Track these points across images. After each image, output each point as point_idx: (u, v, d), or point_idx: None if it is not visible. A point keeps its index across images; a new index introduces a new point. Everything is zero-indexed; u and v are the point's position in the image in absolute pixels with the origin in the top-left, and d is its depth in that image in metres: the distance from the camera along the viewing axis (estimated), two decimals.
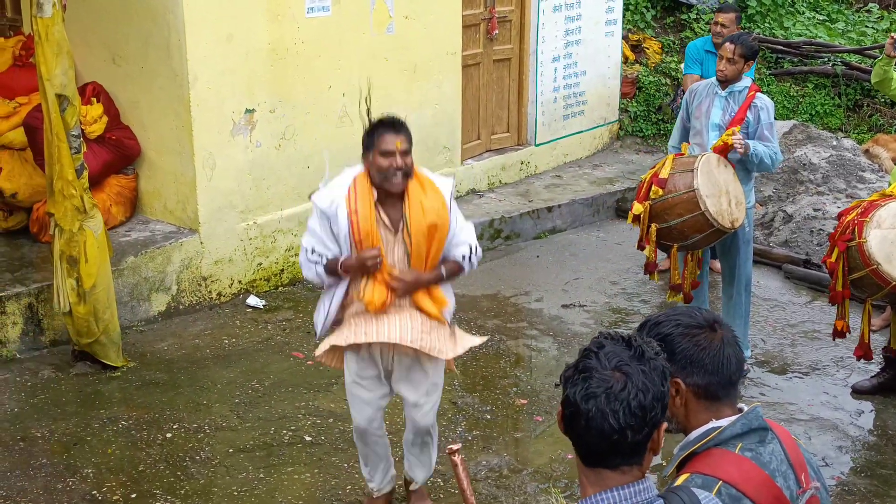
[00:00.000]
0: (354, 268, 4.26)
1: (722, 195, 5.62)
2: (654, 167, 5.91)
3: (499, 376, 6.14)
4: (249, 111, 6.89)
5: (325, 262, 4.30)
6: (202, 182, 6.75)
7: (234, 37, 6.71)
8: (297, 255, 7.36)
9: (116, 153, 6.87)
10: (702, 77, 7.49)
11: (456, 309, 4.60)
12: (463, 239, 4.42)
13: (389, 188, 4.24)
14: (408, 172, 4.26)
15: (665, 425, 2.05)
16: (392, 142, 4.22)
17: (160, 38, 6.60)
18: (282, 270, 7.33)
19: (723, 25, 7.50)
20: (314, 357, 4.70)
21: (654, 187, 5.66)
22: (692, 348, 2.33)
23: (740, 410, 2.36)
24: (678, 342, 2.34)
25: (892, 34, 6.24)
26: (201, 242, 6.82)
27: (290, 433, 5.41)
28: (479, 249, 4.49)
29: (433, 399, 4.54)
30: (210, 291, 6.95)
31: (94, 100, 6.82)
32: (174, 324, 6.68)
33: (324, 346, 4.49)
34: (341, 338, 4.39)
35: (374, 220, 4.23)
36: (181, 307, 6.81)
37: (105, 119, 6.82)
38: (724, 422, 2.32)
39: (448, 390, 5.90)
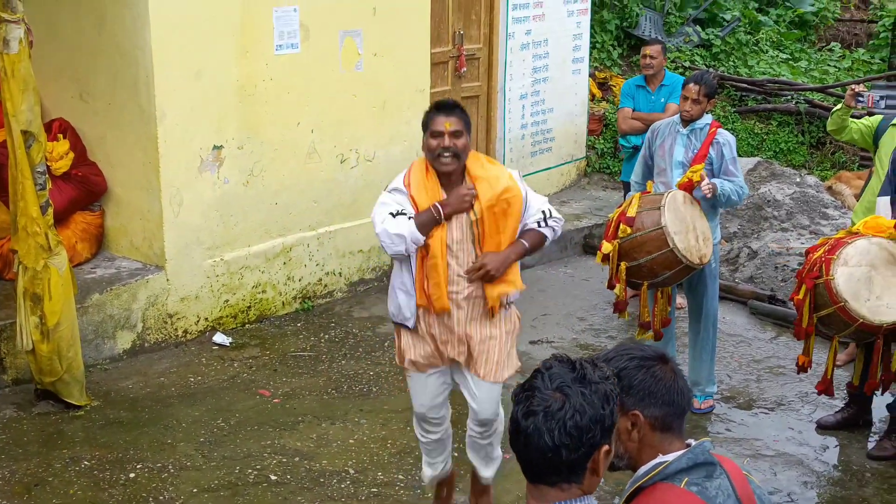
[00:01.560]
0: (453, 205, 4.29)
1: (689, 231, 5.67)
2: (621, 206, 5.96)
3: (466, 414, 6.10)
4: (217, 147, 6.89)
5: (411, 216, 4.31)
6: (169, 218, 6.72)
7: (202, 73, 6.72)
8: (263, 291, 7.35)
9: (82, 189, 6.84)
10: (634, 110, 7.90)
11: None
12: (536, 208, 4.45)
13: (439, 168, 4.32)
14: (457, 153, 4.32)
15: (606, 447, 2.09)
16: (442, 123, 4.31)
17: (128, 74, 6.60)
18: (249, 307, 7.30)
19: (651, 57, 7.83)
20: (398, 365, 4.80)
21: (622, 226, 5.70)
22: (649, 380, 2.38)
23: (688, 444, 2.39)
24: (634, 375, 2.39)
25: (853, 86, 6.36)
26: (167, 279, 6.79)
27: (256, 472, 5.36)
28: (557, 213, 4.52)
29: (495, 390, 4.60)
30: (176, 329, 6.90)
31: (60, 136, 6.79)
32: (139, 362, 6.62)
33: (406, 363, 4.61)
34: (416, 352, 4.53)
35: (439, 195, 4.32)
36: (146, 345, 6.76)
37: (71, 155, 6.79)
38: (670, 456, 2.35)
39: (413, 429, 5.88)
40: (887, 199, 5.63)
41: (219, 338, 6.98)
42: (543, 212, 4.46)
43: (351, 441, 5.73)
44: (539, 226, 4.45)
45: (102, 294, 6.51)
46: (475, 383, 4.57)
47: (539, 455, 2.06)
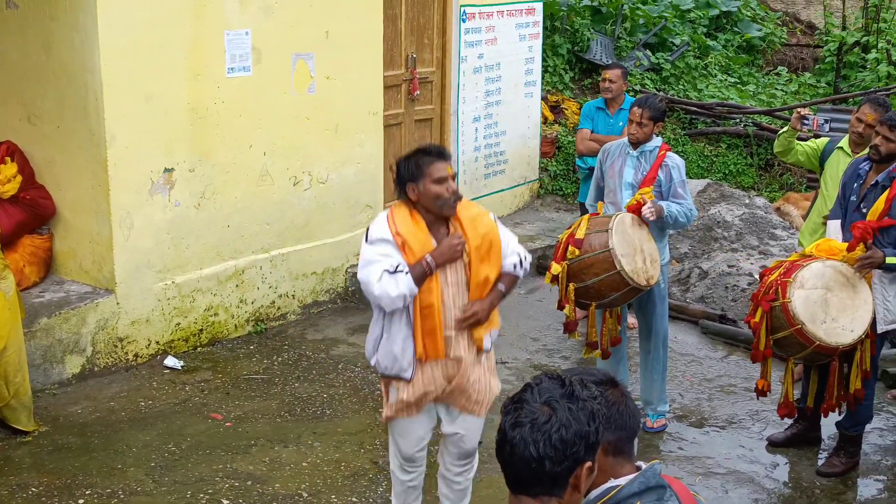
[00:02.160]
0: (445, 255, 4.30)
1: (637, 253, 5.72)
2: (570, 227, 6.01)
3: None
4: (168, 170, 6.85)
5: (407, 271, 4.27)
6: (119, 242, 6.66)
7: (153, 97, 6.68)
8: (216, 314, 7.30)
9: (31, 213, 6.76)
10: (592, 132, 7.96)
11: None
12: (511, 249, 4.53)
13: (447, 213, 4.36)
14: (459, 196, 4.39)
15: (589, 464, 2.14)
16: (443, 168, 4.33)
17: (77, 97, 6.55)
18: (200, 330, 7.24)
19: (610, 81, 7.88)
20: (382, 418, 4.75)
21: (570, 247, 5.75)
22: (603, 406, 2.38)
23: (638, 468, 2.40)
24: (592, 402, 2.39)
25: (798, 109, 6.47)
26: (118, 303, 6.72)
27: (208, 497, 5.30)
28: (529, 255, 4.63)
29: (480, 423, 4.68)
30: (126, 353, 6.83)
31: (8, 159, 6.71)
32: (89, 386, 6.53)
33: (396, 406, 4.55)
34: (411, 394, 4.49)
35: (430, 244, 4.33)
36: (96, 369, 6.67)
37: (19, 178, 6.72)
38: (622, 480, 2.35)
39: (370, 449, 5.88)
40: (838, 222, 5.70)
41: (170, 361, 6.91)
42: (519, 255, 4.55)
43: (304, 464, 5.69)
44: (514, 269, 4.54)
45: (51, 318, 6.42)
46: (463, 418, 4.62)
47: (523, 465, 2.11)
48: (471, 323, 4.41)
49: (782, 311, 5.34)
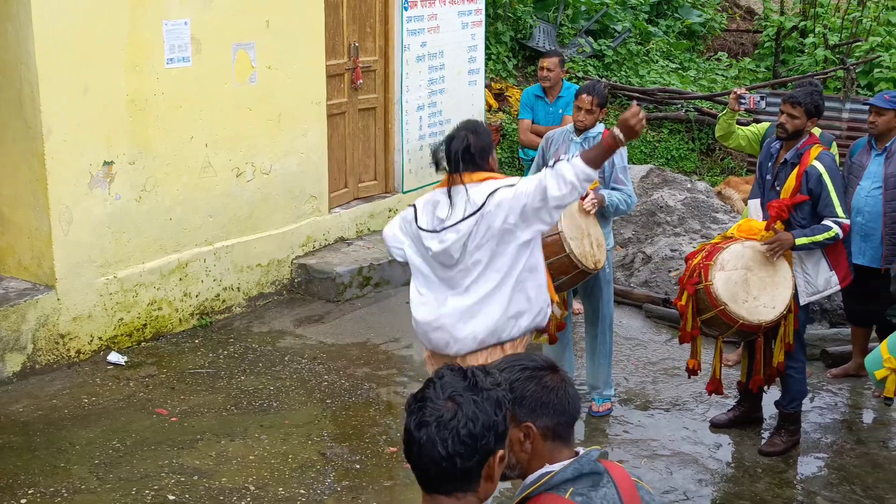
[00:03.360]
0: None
1: (584, 237, 5.77)
2: None
3: (369, 425, 6.12)
4: (108, 163, 6.76)
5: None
6: (58, 237, 6.56)
7: (90, 88, 6.58)
8: (159, 309, 7.22)
9: None
10: (533, 122, 8.02)
11: (328, 357, 4.61)
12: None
13: None
14: None
15: (501, 453, 2.12)
16: None
17: (12, 90, 6.42)
18: (144, 325, 7.16)
19: (548, 69, 7.93)
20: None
21: None
22: (541, 391, 2.38)
23: (577, 453, 2.41)
24: (526, 386, 2.39)
25: (735, 90, 6.56)
26: (58, 299, 6.62)
27: (153, 493, 5.26)
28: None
29: None
30: (68, 349, 6.73)
31: None
32: (30, 384, 6.43)
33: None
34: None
35: None
36: (37, 366, 6.57)
37: None
38: (556, 466, 2.34)
39: (317, 441, 5.87)
40: (757, 201, 5.87)
41: (113, 357, 6.83)
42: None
43: (251, 457, 5.66)
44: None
45: None
46: None
47: (433, 465, 2.07)
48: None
49: (706, 293, 5.48)
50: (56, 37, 6.37)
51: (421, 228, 4.54)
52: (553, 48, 12.49)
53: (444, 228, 4.44)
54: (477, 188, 4.42)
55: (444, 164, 4.46)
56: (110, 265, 6.90)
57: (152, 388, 6.49)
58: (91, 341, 6.85)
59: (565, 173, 4.28)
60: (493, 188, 4.41)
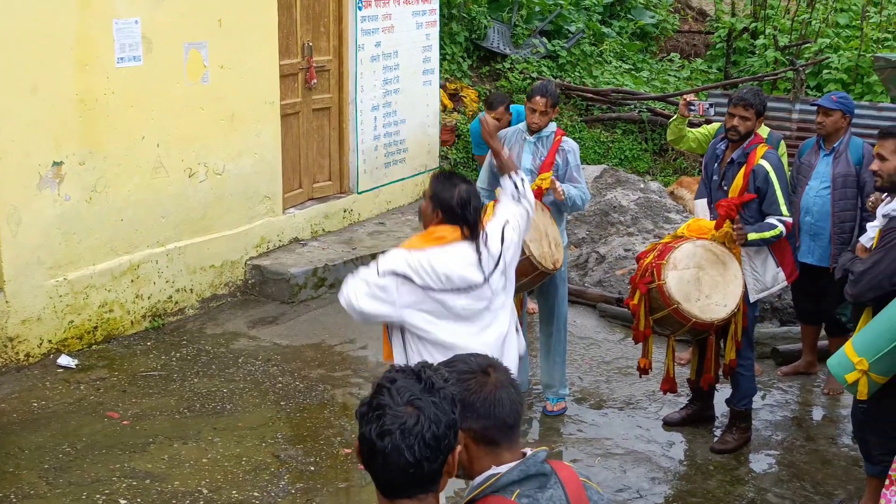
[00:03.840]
0: None
1: (542, 238, 5.79)
2: None
3: (323, 427, 6.09)
4: (57, 164, 6.66)
5: None
6: (7, 238, 6.45)
7: (38, 88, 6.48)
8: (111, 311, 7.14)
9: None
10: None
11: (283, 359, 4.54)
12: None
13: None
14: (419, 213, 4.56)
15: (458, 447, 2.13)
16: None
17: None
18: (95, 327, 7.07)
19: (497, 119, 7.28)
20: None
21: None
22: (463, 393, 2.36)
23: (524, 454, 2.40)
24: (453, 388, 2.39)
25: (685, 96, 6.63)
26: (7, 301, 6.51)
27: (105, 497, 5.19)
28: (349, 286, 4.17)
29: None
30: (17, 352, 6.62)
31: None
32: None
33: None
34: None
35: None
36: None
37: None
38: (503, 468, 2.34)
39: (271, 443, 5.83)
40: (704, 201, 5.96)
41: (64, 360, 6.73)
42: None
43: (204, 460, 5.62)
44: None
45: None
46: None
47: (401, 473, 2.05)
48: None
49: (658, 292, 5.53)
50: (2, 36, 6.26)
51: (441, 290, 4.12)
52: (507, 49, 12.54)
53: (474, 286, 4.19)
54: (489, 236, 4.32)
55: (467, 225, 4.21)
56: (60, 267, 6.80)
57: (103, 392, 6.41)
58: (41, 344, 6.75)
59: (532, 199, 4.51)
60: (499, 232, 4.33)
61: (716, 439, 6.04)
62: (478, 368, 2.41)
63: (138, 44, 7.08)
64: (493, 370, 2.42)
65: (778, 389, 6.77)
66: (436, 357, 4.08)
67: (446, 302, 4.12)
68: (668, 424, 6.22)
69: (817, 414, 6.58)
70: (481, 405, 2.37)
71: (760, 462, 5.88)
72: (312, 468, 5.60)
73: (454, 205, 4.19)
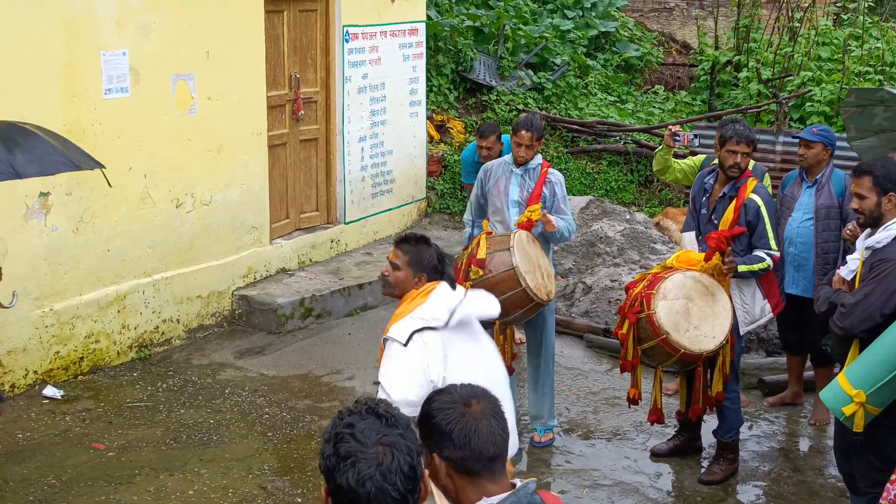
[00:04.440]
0: None
1: (536, 270, 5.82)
2: (467, 247, 6.06)
3: (310, 458, 6.06)
4: (44, 194, 6.66)
5: None
6: None
7: (25, 118, 6.43)
8: (97, 341, 7.12)
9: None
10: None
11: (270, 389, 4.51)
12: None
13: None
14: (386, 283, 4.37)
15: (427, 472, 2.16)
16: (392, 253, 4.40)
17: None
18: (81, 358, 7.03)
19: (487, 148, 7.42)
20: None
21: (473, 268, 5.79)
22: (443, 423, 2.41)
23: (513, 486, 2.41)
24: (433, 417, 2.43)
25: (670, 127, 6.69)
26: None
27: None
28: (387, 387, 4.10)
29: None
30: (2, 383, 6.58)
31: None
32: None
33: None
34: None
35: None
36: None
37: None
38: (494, 499, 2.35)
39: (258, 475, 5.80)
40: (692, 234, 5.99)
41: (49, 391, 6.69)
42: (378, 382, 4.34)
43: (191, 492, 5.58)
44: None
45: None
46: None
47: None
48: None
49: (648, 322, 5.54)
50: None
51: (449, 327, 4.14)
52: (494, 82, 12.61)
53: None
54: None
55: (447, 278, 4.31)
56: (46, 297, 6.78)
57: (89, 423, 6.38)
58: (26, 375, 6.71)
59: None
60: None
61: (703, 470, 6.04)
62: (459, 399, 2.43)
63: (126, 75, 7.10)
64: (476, 401, 2.43)
65: (765, 420, 6.79)
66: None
67: (451, 338, 4.09)
68: (656, 455, 6.22)
69: (804, 445, 6.59)
70: (457, 436, 2.39)
71: (748, 493, 5.88)
72: (299, 500, 5.57)
73: (437, 263, 4.28)
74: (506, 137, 7.67)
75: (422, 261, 4.27)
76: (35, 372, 6.77)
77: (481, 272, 5.74)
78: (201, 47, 7.64)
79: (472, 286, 5.72)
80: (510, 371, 6.13)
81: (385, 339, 4.14)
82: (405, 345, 4.02)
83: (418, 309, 4.09)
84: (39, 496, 5.46)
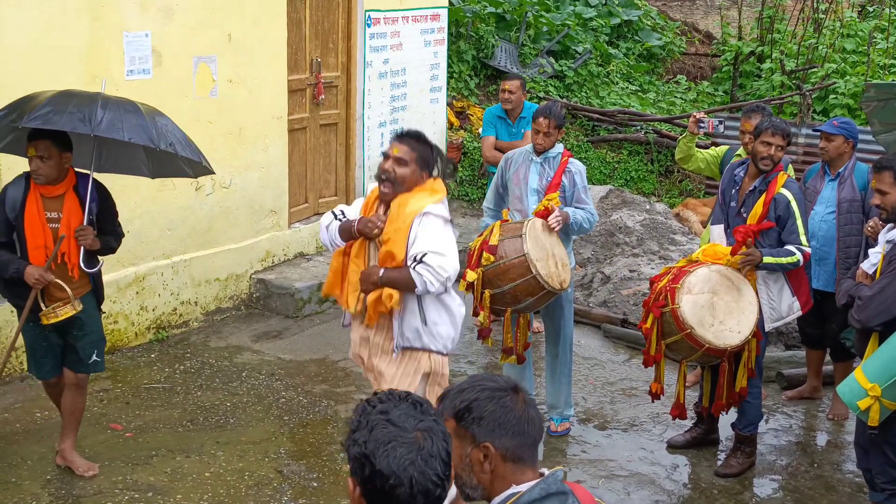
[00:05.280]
0: (360, 224, 4.71)
1: (549, 258, 5.79)
2: (481, 234, 6.05)
3: (326, 443, 6.08)
4: None
5: (341, 221, 4.79)
6: None
7: None
8: (115, 322, 7.14)
9: None
10: (497, 139, 8.04)
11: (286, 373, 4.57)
12: (418, 249, 4.58)
13: (381, 187, 4.67)
14: (393, 180, 4.56)
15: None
16: (392, 147, 4.62)
17: None
18: None
19: (510, 92, 7.96)
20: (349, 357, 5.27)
21: (485, 254, 5.77)
22: (499, 411, 2.38)
23: (542, 474, 2.41)
24: (485, 406, 2.39)
25: (694, 113, 6.63)
26: (11, 310, 6.50)
27: None
28: (439, 263, 4.57)
29: None
30: (21, 362, 6.61)
31: None
32: None
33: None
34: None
35: (366, 213, 4.76)
36: None
37: None
38: (523, 487, 2.35)
39: (274, 458, 5.82)
40: (720, 226, 5.90)
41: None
42: (416, 254, 4.56)
43: (207, 474, 5.60)
44: (408, 265, 4.61)
45: None
46: None
47: (426, 496, 2.06)
48: (360, 286, 4.72)
49: (672, 316, 5.49)
50: (14, 46, 6.29)
51: None
52: (515, 69, 12.55)
53: None
54: None
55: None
56: None
57: (107, 403, 6.40)
58: None
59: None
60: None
61: (720, 463, 6.01)
62: (506, 385, 2.43)
63: (148, 57, 7.10)
64: (519, 388, 2.44)
65: (783, 414, 6.75)
66: (443, 318, 4.76)
67: None
68: (673, 447, 6.20)
69: (822, 439, 6.55)
70: (516, 423, 2.38)
71: (765, 487, 5.85)
72: (315, 484, 5.58)
73: (435, 162, 4.73)
74: (532, 106, 7.85)
75: (427, 158, 4.59)
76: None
77: (492, 258, 5.72)
78: (223, 30, 7.63)
79: (484, 272, 5.74)
80: (521, 360, 6.12)
81: (424, 214, 4.55)
82: (445, 225, 4.60)
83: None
84: (57, 475, 5.49)
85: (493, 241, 5.78)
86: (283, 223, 8.55)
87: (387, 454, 2.04)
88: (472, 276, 5.78)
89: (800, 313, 5.86)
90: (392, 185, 4.57)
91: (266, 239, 8.35)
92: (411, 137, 4.61)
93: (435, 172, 4.76)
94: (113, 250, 5.61)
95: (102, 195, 5.43)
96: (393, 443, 2.05)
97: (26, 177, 5.22)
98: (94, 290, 5.50)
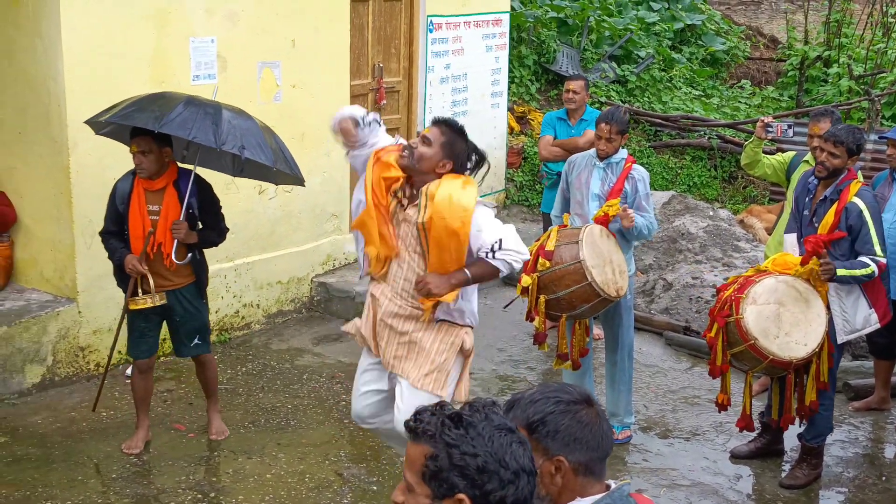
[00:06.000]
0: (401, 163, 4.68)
1: (606, 265, 5.74)
2: (539, 239, 6.02)
3: (385, 446, 6.07)
4: None
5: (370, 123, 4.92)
6: (81, 249, 6.58)
7: (113, 102, 6.60)
8: None
9: None
10: (555, 138, 8.02)
11: (347, 376, 4.59)
12: (486, 239, 4.50)
13: (401, 163, 4.58)
14: (412, 154, 4.52)
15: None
16: (427, 129, 4.61)
17: (39, 105, 6.47)
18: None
19: (574, 92, 7.91)
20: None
21: (541, 259, 5.74)
22: (575, 426, 2.34)
23: (608, 486, 2.37)
24: (560, 420, 2.35)
25: (762, 117, 6.52)
26: (79, 311, 6.63)
27: None
28: (515, 246, 4.52)
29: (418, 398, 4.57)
30: (88, 362, 6.74)
31: None
32: (49, 396, 6.44)
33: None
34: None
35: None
36: (57, 379, 6.58)
37: None
38: (587, 500, 2.31)
39: (334, 461, 5.84)
40: (794, 235, 5.78)
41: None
42: (493, 243, 4.50)
43: (268, 476, 5.64)
44: (487, 256, 4.51)
45: (11, 327, 6.33)
46: (399, 385, 4.77)
47: (526, 491, 2.10)
48: (420, 290, 4.55)
49: (736, 326, 5.39)
50: (83, 53, 6.41)
51: None
52: (577, 72, 12.50)
53: None
54: None
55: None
56: None
57: (170, 404, 6.49)
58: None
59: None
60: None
61: (785, 474, 5.91)
62: (580, 398, 2.39)
63: (213, 62, 7.19)
64: (592, 401, 2.40)
65: (849, 425, 6.61)
66: (473, 294, 4.76)
67: None
68: (736, 457, 6.10)
69: (890, 452, 6.41)
70: (591, 438, 2.35)
71: (831, 499, 5.74)
72: (375, 488, 5.59)
73: (465, 160, 4.66)
74: (594, 113, 7.84)
75: (454, 148, 4.47)
76: (119, 352, 6.88)
77: (548, 264, 5.69)
78: (287, 35, 7.70)
79: (539, 277, 5.71)
80: (576, 366, 6.07)
81: (479, 205, 4.54)
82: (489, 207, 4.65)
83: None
84: (122, 473, 5.57)
85: (550, 246, 5.75)
86: (344, 227, 8.59)
87: (513, 455, 2.07)
88: (527, 280, 5.76)
89: (877, 326, 5.64)
90: (410, 159, 4.53)
91: (327, 243, 8.40)
92: (446, 124, 4.58)
93: (467, 171, 4.69)
94: (215, 244, 5.91)
95: (203, 190, 5.71)
96: (508, 434, 2.09)
97: (133, 172, 5.57)
98: (197, 281, 5.80)
